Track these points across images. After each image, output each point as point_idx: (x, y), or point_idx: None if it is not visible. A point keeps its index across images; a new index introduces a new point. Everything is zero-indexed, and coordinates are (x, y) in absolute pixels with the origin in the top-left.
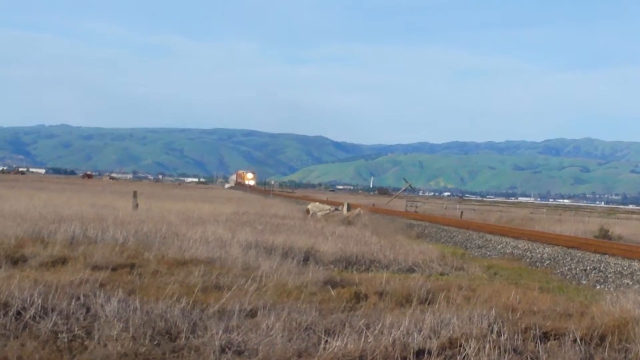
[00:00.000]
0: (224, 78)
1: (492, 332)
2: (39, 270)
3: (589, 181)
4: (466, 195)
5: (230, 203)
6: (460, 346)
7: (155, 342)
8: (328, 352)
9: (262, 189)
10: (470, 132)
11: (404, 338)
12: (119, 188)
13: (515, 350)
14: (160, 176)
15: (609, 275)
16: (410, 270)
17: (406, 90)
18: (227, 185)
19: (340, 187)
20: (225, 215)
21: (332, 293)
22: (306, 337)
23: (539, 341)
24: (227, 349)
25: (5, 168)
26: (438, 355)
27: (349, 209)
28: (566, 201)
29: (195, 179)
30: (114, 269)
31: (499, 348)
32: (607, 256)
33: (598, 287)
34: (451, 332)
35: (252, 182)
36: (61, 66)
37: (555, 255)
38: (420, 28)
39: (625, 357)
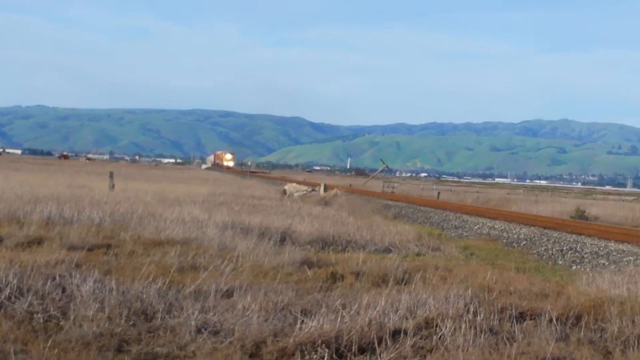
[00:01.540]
0: (202, 60)
1: (468, 312)
2: (14, 250)
3: (566, 162)
4: (443, 176)
5: (206, 184)
6: (436, 326)
7: (131, 323)
8: (304, 332)
9: (240, 169)
10: (448, 113)
11: (380, 318)
12: (95, 169)
13: (491, 330)
14: (137, 157)
15: (585, 256)
16: (387, 250)
17: (384, 71)
18: (204, 166)
19: (318, 168)
20: (201, 196)
21: (309, 273)
22: (282, 318)
23: (515, 321)
24: (203, 329)
25: None
26: (414, 335)
27: (325, 190)
28: (543, 182)
29: (172, 160)
30: (90, 250)
31: (475, 328)
32: (583, 236)
33: (574, 267)
34: (427, 312)
35: (230, 164)
36: (38, 47)
37: (532, 236)
38: (398, 10)
39: (601, 336)
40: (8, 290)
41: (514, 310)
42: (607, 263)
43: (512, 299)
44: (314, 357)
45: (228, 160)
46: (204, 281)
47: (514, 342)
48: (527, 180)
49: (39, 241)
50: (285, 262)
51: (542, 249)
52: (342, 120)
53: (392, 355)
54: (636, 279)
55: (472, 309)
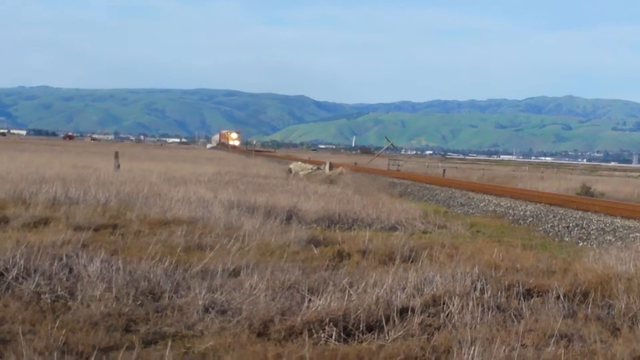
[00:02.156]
0: (205, 39)
1: (475, 289)
2: (21, 231)
3: (571, 139)
4: (448, 153)
5: (212, 163)
6: (443, 304)
7: (138, 302)
8: (311, 310)
9: (246, 149)
10: (452, 90)
11: (387, 296)
12: (100, 149)
13: (498, 308)
14: (141, 137)
15: (592, 232)
16: (393, 228)
17: (388, 49)
18: (209, 146)
19: (322, 146)
20: (207, 175)
21: (315, 252)
22: (289, 296)
23: (522, 298)
24: (210, 309)
25: None
26: (422, 312)
27: (331, 168)
28: (548, 159)
29: (177, 140)
30: (96, 230)
31: (482, 305)
32: (589, 213)
33: (581, 244)
34: (434, 289)
35: (236, 143)
36: (41, 28)
37: (538, 213)
38: None
39: (608, 313)
40: (15, 271)
41: (521, 287)
42: (613, 239)
43: (519, 276)
44: (322, 335)
45: (234, 139)
46: (210, 260)
47: (522, 319)
48: (533, 157)
49: (45, 221)
50: (291, 240)
51: (549, 225)
52: (347, 99)
53: (400, 333)
54: None
55: (479, 287)
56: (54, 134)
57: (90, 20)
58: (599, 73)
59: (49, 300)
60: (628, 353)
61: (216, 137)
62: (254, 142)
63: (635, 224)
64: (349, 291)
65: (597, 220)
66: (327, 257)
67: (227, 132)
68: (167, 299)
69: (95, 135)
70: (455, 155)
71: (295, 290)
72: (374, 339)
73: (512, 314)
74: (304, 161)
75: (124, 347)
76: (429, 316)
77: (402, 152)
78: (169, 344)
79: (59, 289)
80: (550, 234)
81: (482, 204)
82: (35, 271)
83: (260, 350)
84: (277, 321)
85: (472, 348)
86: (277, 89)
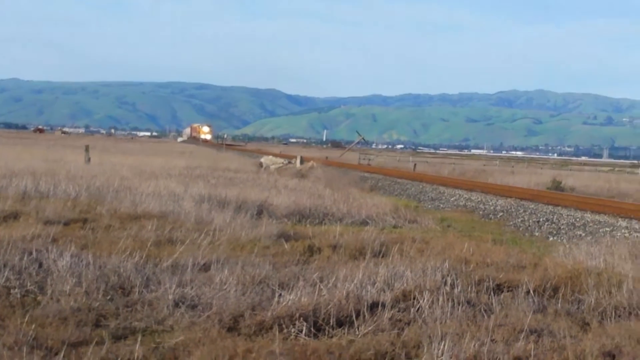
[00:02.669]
0: (177, 32)
1: (445, 284)
2: None
3: (542, 133)
4: (419, 147)
5: (182, 157)
6: (414, 298)
7: (108, 297)
8: (282, 305)
9: (217, 142)
10: (424, 84)
11: (357, 291)
12: (71, 142)
13: (468, 302)
14: (112, 130)
15: (562, 227)
16: (364, 223)
17: (359, 42)
18: (180, 139)
19: (294, 140)
20: (177, 169)
21: (286, 246)
22: (260, 291)
23: (492, 293)
24: (180, 303)
25: None
26: (392, 307)
27: (302, 162)
28: (519, 153)
29: (148, 133)
30: (66, 224)
31: (453, 300)
32: (559, 208)
33: (551, 238)
34: (405, 284)
35: (208, 137)
36: (12, 20)
37: (509, 207)
38: None
39: (578, 308)
40: None
41: (491, 282)
42: (583, 234)
43: (489, 271)
44: (292, 330)
45: (205, 133)
46: (180, 255)
47: (492, 314)
48: (503, 152)
49: (15, 216)
50: (262, 235)
51: (519, 220)
52: (318, 92)
53: (370, 328)
54: (612, 250)
55: (449, 281)
56: (24, 127)
57: (61, 13)
58: (570, 67)
59: (18, 295)
60: (597, 348)
61: (187, 130)
62: (225, 135)
63: (605, 219)
64: (319, 286)
65: (568, 215)
66: (298, 251)
67: (199, 126)
68: (137, 293)
69: (65, 129)
70: (426, 150)
71: (266, 285)
72: (344, 333)
73: (482, 309)
74: (275, 155)
75: (94, 342)
76: (399, 311)
77: (373, 147)
78: (139, 338)
79: (29, 284)
80: (521, 229)
81: (452, 199)
82: (4, 266)
83: (230, 345)
84: (247, 316)
85: (442, 343)
86: (248, 82)
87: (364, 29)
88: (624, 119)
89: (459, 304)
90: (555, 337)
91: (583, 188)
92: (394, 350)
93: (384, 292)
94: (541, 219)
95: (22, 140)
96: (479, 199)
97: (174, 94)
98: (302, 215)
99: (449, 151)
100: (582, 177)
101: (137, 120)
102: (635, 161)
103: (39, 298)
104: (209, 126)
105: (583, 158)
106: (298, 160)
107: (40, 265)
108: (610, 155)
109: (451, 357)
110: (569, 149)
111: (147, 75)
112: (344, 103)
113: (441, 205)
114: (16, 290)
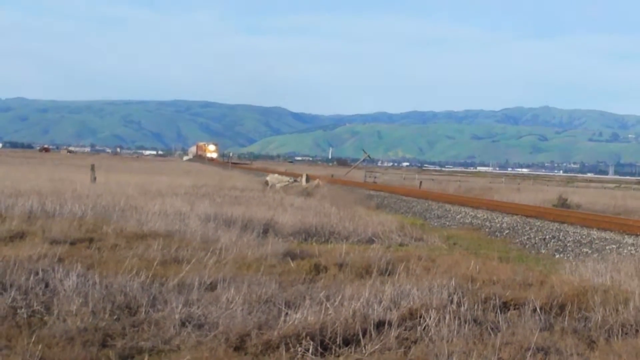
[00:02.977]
0: (181, 49)
1: (452, 302)
2: None
3: (547, 150)
4: (425, 165)
5: (188, 176)
6: (420, 317)
7: (115, 317)
8: (288, 324)
9: (223, 161)
10: (429, 101)
11: (364, 309)
12: (76, 161)
13: (475, 321)
14: (118, 149)
15: (568, 244)
16: (370, 241)
17: (364, 60)
18: (185, 158)
19: (299, 158)
20: (183, 188)
21: (292, 265)
22: (266, 310)
23: (499, 311)
24: (187, 323)
25: None
26: (398, 326)
27: (307, 180)
28: (525, 170)
29: (154, 152)
30: (72, 244)
31: (459, 318)
32: (566, 225)
33: (557, 256)
34: (411, 303)
35: (214, 155)
36: (16, 38)
37: (515, 225)
38: None
39: (585, 325)
40: None
41: (497, 300)
42: (590, 251)
43: (496, 289)
44: (299, 349)
45: (211, 151)
46: (187, 274)
47: (498, 332)
48: (509, 169)
49: (21, 235)
50: (268, 253)
51: (525, 237)
52: (323, 110)
53: (376, 347)
54: (619, 267)
55: (455, 300)
56: (29, 147)
57: (66, 31)
58: (575, 83)
59: (25, 315)
60: None
61: (193, 149)
62: (231, 154)
63: (612, 236)
64: (325, 305)
65: (574, 232)
66: (304, 270)
67: (204, 144)
68: (143, 313)
69: (71, 148)
70: (432, 167)
71: (272, 304)
72: (350, 352)
73: (488, 327)
74: (281, 173)
75: None
76: (405, 329)
77: (379, 164)
78: (146, 358)
79: (35, 304)
80: (527, 246)
81: (458, 216)
82: (11, 286)
83: None
84: (254, 335)
85: None
86: (253, 100)
87: (370, 46)
88: (629, 136)
89: (465, 322)
90: (562, 355)
91: (589, 205)
92: None
93: (391, 310)
94: (547, 237)
95: (28, 160)
96: (485, 217)
97: (180, 112)
98: (308, 234)
99: (455, 168)
100: (588, 194)
101: (143, 139)
102: None
103: (45, 318)
104: (215, 144)
105: (589, 175)
106: (304, 179)
107: (47, 285)
108: (616, 172)
109: None
110: (574, 166)
111: (152, 94)
112: (349, 121)
113: (447, 223)
114: (23, 310)
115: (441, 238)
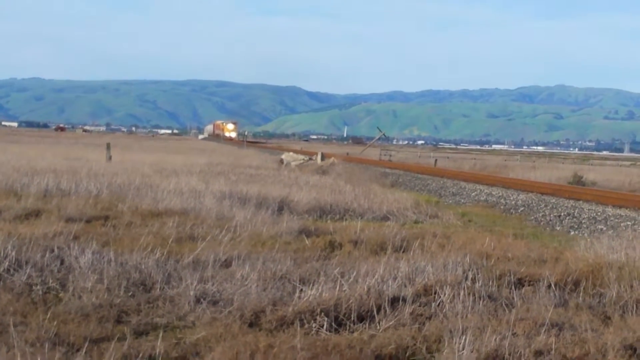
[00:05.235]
0: (197, 29)
1: (466, 278)
2: (12, 223)
3: (563, 128)
4: (440, 143)
5: (204, 154)
6: (435, 293)
7: (130, 293)
8: (303, 300)
9: (240, 140)
10: (444, 80)
11: (378, 286)
12: (92, 140)
13: (490, 297)
14: (133, 128)
15: (583, 221)
16: (385, 218)
17: (380, 39)
18: (201, 137)
19: (314, 136)
20: (199, 166)
21: (307, 242)
22: (281, 287)
23: (513, 287)
24: (202, 299)
25: None
26: (413, 302)
27: (323, 159)
28: (540, 148)
29: (169, 131)
30: (87, 221)
31: (474, 295)
32: (581, 202)
33: (572, 232)
34: (426, 279)
35: (233, 134)
36: (33, 20)
37: (530, 202)
38: None
39: (599, 302)
40: (7, 263)
41: (512, 277)
42: (605, 228)
43: (511, 265)
44: (313, 325)
45: (230, 130)
46: (202, 251)
47: (513, 308)
48: (524, 147)
49: (36, 213)
50: (283, 231)
51: (540, 214)
52: (338, 89)
53: (391, 323)
54: (634, 243)
55: (470, 276)
56: (45, 126)
57: (82, 12)
58: (591, 62)
59: (40, 292)
60: (619, 341)
61: (209, 127)
62: (246, 133)
63: (627, 213)
64: (340, 281)
65: (589, 209)
66: (319, 247)
67: (222, 123)
68: (158, 289)
69: (87, 127)
70: (447, 145)
71: (287, 280)
72: (365, 328)
73: (503, 303)
74: (296, 152)
75: (116, 338)
76: (420, 306)
77: (394, 142)
78: (161, 334)
79: (51, 281)
80: (542, 223)
81: (473, 194)
82: (26, 263)
83: (251, 340)
84: (268, 311)
85: (463, 337)
86: (269, 80)
87: (385, 26)
88: None
89: (480, 299)
90: (576, 331)
91: (604, 182)
92: (415, 344)
93: (405, 286)
94: (562, 214)
95: (44, 139)
96: (500, 194)
97: (195, 91)
98: (323, 211)
99: (470, 147)
100: (603, 172)
101: (158, 118)
102: None
103: (60, 295)
104: (234, 123)
105: (604, 152)
106: (319, 157)
107: (62, 262)
108: (632, 150)
109: (472, 351)
110: (590, 144)
111: (167, 73)
112: (364, 100)
113: (462, 200)
114: (38, 287)
115: (456, 215)
